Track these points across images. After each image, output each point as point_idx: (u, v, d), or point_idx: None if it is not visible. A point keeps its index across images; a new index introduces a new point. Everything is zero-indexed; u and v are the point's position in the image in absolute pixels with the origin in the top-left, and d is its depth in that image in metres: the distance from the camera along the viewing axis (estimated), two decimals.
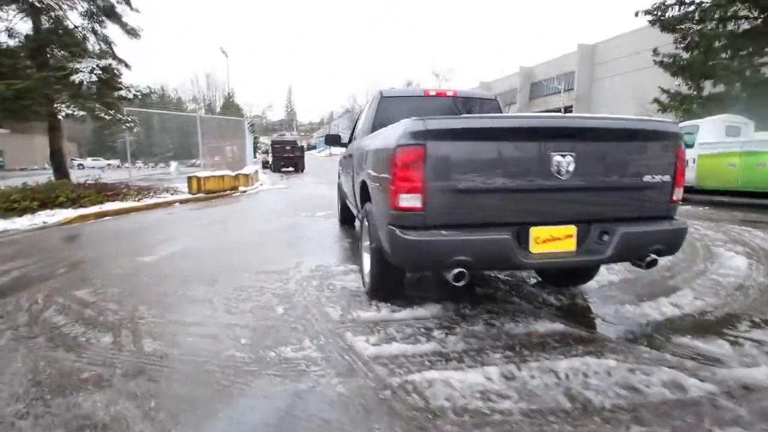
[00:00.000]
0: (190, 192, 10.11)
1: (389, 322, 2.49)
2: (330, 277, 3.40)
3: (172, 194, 9.92)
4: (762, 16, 10.83)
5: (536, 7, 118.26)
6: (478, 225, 1.99)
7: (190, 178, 10.21)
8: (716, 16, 11.55)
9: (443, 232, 1.93)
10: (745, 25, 11.57)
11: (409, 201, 1.94)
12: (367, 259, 3.09)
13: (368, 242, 3.04)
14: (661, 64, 12.79)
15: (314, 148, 63.17)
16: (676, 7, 12.58)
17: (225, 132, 16.13)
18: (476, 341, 2.22)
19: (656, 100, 13.25)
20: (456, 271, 1.90)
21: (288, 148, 24.06)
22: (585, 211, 2.10)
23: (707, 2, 12.03)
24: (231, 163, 14.29)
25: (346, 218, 5.74)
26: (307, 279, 3.38)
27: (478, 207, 1.99)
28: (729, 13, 11.49)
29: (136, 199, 8.73)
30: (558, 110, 27.86)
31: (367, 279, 2.92)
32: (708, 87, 12.20)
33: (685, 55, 12.33)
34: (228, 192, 10.92)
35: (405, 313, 2.60)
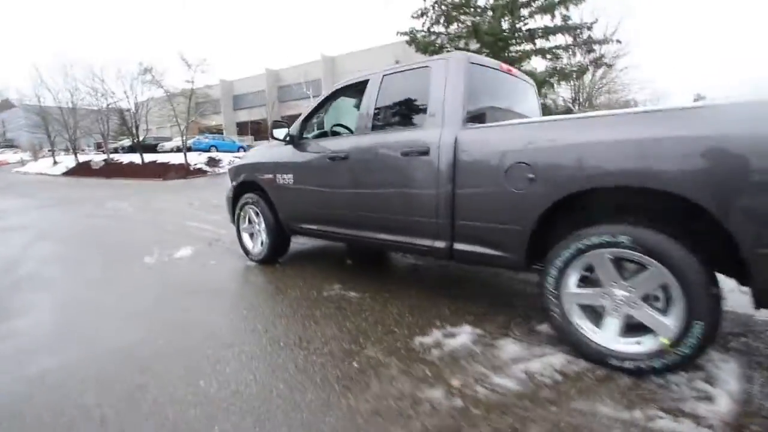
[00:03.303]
0: None
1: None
2: (460, 369, 1.90)
3: None
4: (483, 50, 14.40)
5: (282, 13, 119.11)
6: None
7: None
8: (455, 46, 14.64)
9: None
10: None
11: None
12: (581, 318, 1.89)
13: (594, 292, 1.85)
14: None
15: None
16: (424, 33, 15.50)
17: None
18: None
19: None
20: None
21: None
22: None
23: (444, 33, 15.43)
24: None
25: (276, 253, 3.67)
26: (429, 380, 1.76)
27: None
28: (461, 45, 14.76)
29: None
30: None
31: (610, 347, 1.76)
32: None
33: None
34: None
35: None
